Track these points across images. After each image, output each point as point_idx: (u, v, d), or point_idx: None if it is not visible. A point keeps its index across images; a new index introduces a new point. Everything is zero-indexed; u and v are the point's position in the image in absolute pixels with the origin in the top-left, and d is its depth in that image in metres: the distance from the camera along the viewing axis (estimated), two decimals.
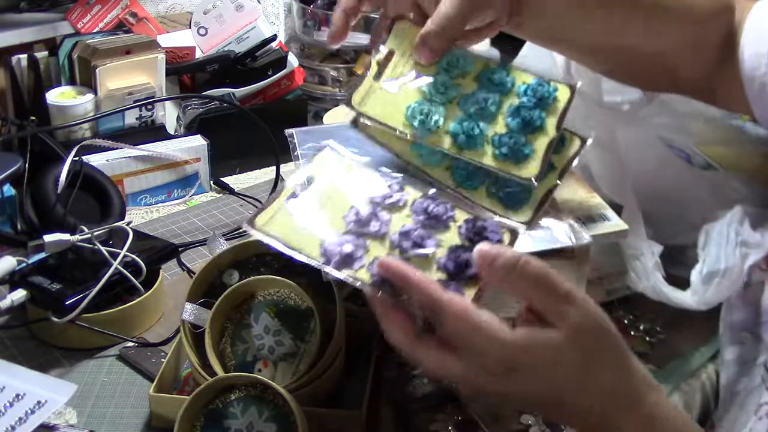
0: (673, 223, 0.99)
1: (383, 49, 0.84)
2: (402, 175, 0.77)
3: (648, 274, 0.89)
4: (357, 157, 0.80)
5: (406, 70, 0.84)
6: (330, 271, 0.70)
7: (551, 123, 0.82)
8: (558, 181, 0.81)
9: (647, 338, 0.93)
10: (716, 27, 0.86)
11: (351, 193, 0.76)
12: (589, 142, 0.84)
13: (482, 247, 0.61)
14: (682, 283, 0.87)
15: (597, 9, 0.84)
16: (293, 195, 0.75)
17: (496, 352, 0.57)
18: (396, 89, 0.83)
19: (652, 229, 0.93)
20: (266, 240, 0.71)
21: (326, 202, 0.74)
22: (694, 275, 0.85)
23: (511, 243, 0.73)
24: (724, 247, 0.85)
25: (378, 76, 0.83)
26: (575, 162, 0.82)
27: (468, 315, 0.58)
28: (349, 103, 0.82)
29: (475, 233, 0.73)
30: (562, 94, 0.83)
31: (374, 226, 0.72)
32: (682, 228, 0.96)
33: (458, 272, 0.69)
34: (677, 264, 0.92)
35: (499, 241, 0.72)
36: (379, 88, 0.83)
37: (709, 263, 0.85)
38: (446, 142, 0.81)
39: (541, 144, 0.80)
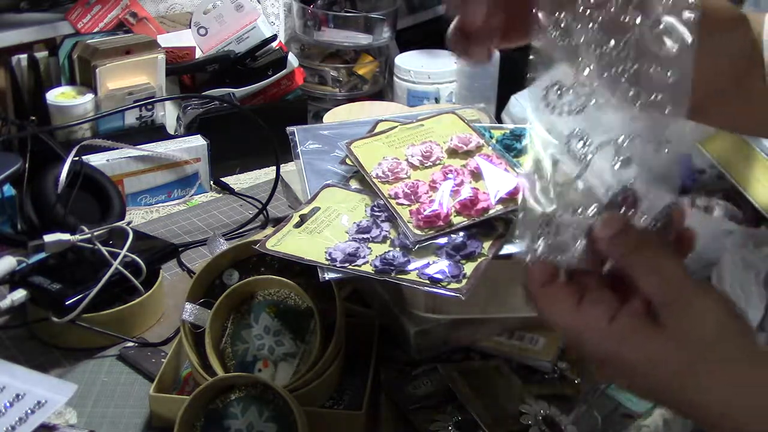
0: None
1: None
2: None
3: None
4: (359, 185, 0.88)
5: None
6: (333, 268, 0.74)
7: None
8: None
9: None
10: None
11: (353, 215, 0.82)
12: None
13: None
14: None
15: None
16: (300, 223, 0.81)
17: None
18: None
19: None
20: (276, 254, 0.77)
21: (330, 224, 0.81)
22: None
23: (504, 231, 0.79)
24: (739, 280, 0.87)
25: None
26: None
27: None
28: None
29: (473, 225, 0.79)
30: None
31: (375, 232, 0.79)
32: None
33: (456, 252, 0.75)
34: None
35: (494, 228, 0.79)
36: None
37: None
38: None
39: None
